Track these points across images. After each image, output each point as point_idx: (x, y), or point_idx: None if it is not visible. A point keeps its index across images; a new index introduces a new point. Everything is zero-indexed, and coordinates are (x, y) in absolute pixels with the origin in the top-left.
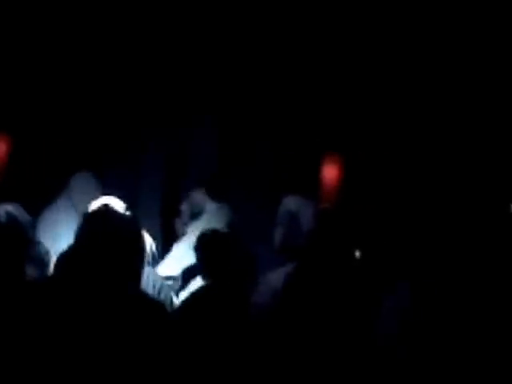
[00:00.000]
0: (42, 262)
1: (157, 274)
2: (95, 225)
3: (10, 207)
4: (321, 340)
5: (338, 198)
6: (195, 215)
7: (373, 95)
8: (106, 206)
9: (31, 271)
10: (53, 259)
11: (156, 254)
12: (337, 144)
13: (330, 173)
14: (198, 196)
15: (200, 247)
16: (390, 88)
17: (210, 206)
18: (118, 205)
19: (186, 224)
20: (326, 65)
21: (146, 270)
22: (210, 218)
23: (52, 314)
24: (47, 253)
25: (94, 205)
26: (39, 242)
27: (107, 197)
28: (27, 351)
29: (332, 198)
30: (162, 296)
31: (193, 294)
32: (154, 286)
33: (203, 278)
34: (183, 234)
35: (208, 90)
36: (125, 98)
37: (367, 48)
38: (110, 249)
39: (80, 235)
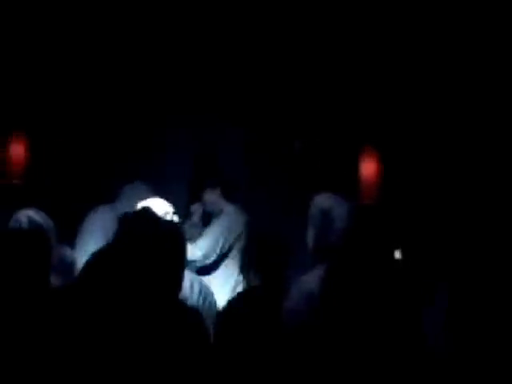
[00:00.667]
0: (66, 271)
1: (201, 281)
2: (133, 227)
3: (31, 212)
4: (363, 344)
5: (376, 196)
6: (207, 216)
7: (413, 84)
8: (146, 208)
9: (54, 280)
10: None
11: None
12: (374, 138)
13: (367, 169)
14: (213, 197)
15: (260, 249)
16: (431, 77)
17: (228, 208)
18: (164, 207)
19: (194, 225)
20: (361, 53)
21: (189, 275)
22: (230, 219)
23: (79, 324)
24: (72, 260)
25: (139, 207)
26: (63, 249)
27: (153, 199)
28: (55, 360)
29: (371, 196)
30: (207, 303)
31: (243, 295)
32: (199, 293)
33: (251, 278)
34: (194, 235)
35: (234, 86)
36: (149, 95)
37: (404, 37)
38: (147, 253)
39: (116, 237)
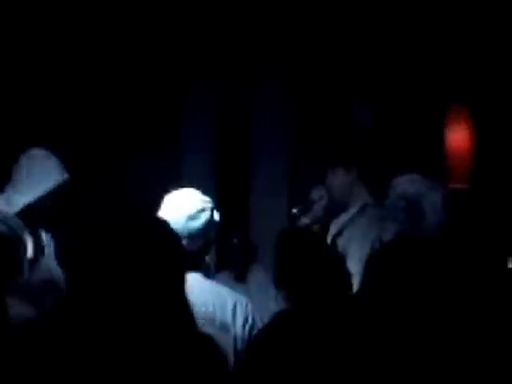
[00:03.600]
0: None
1: (248, 304)
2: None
3: None
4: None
5: (469, 175)
6: (334, 210)
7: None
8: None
9: (23, 310)
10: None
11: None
12: (466, 94)
13: (456, 137)
14: (346, 181)
15: (284, 256)
16: None
17: (363, 196)
18: (198, 202)
19: (316, 220)
20: None
21: (231, 296)
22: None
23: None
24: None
25: (168, 201)
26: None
27: (184, 190)
28: None
29: (461, 175)
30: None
31: (268, 328)
32: (245, 321)
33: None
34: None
35: (282, 31)
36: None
37: None
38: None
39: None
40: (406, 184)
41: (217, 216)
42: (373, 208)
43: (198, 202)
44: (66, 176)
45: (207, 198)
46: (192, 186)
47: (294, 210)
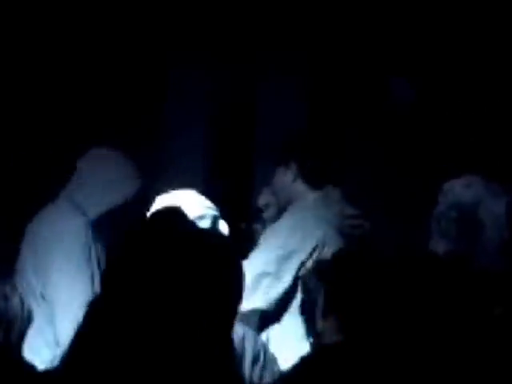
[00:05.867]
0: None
1: (258, 338)
2: (148, 245)
3: None
4: None
5: None
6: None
7: None
8: (171, 208)
9: None
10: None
11: None
12: None
13: None
14: (284, 180)
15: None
16: None
17: (303, 198)
18: (200, 206)
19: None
20: None
21: (240, 328)
22: (297, 218)
23: None
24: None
25: (158, 204)
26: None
27: (183, 192)
28: None
29: None
30: (268, 377)
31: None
32: (255, 359)
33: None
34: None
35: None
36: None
37: None
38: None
39: (119, 264)
40: (461, 189)
41: (222, 225)
42: (300, 211)
43: (196, 207)
44: (141, 180)
45: (210, 204)
46: (178, 182)
47: (243, 226)
